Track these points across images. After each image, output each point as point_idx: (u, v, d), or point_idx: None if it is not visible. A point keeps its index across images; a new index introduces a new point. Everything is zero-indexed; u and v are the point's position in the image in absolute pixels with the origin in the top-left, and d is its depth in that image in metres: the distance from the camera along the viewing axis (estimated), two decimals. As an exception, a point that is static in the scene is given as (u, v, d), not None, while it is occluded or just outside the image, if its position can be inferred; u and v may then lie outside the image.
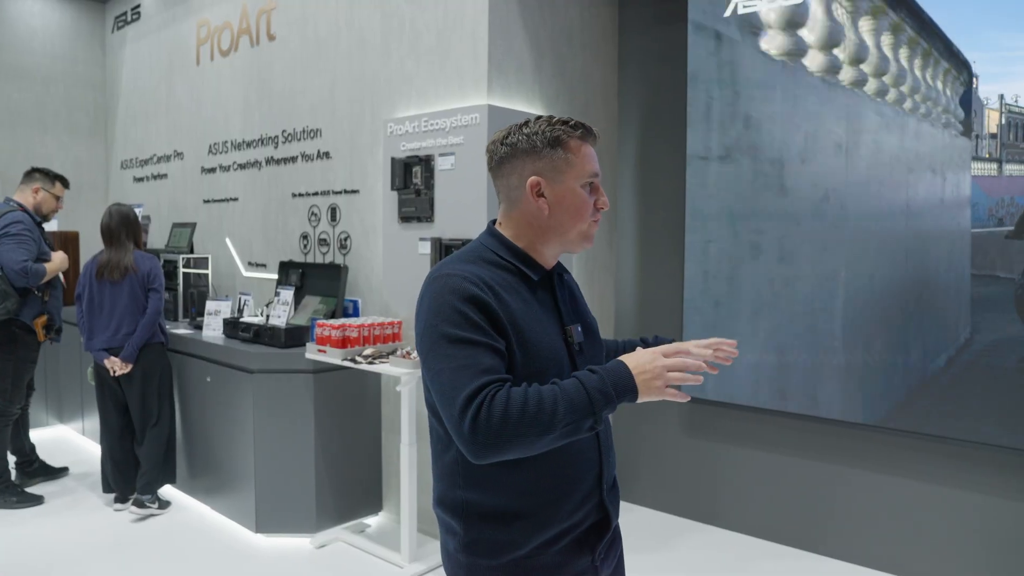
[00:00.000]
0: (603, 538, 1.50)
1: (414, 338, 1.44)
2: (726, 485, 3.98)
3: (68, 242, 5.53)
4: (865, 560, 3.53)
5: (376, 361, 3.51)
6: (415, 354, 3.40)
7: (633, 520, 4.13)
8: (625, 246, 4.36)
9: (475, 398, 1.25)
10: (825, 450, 3.64)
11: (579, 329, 1.52)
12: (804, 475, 3.71)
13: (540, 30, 3.78)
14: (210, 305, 4.41)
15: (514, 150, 1.49)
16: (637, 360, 1.30)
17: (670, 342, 1.49)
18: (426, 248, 3.69)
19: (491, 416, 1.23)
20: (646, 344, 1.72)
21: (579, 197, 1.48)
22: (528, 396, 1.26)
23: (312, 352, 3.67)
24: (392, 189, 3.82)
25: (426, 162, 3.68)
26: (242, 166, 4.98)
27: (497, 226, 1.53)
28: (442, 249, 3.59)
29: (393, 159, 3.80)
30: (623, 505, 4.45)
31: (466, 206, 3.53)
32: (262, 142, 4.80)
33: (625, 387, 1.28)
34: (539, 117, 1.52)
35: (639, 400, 1.29)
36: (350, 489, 3.98)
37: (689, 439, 4.11)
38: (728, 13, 3.70)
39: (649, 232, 4.26)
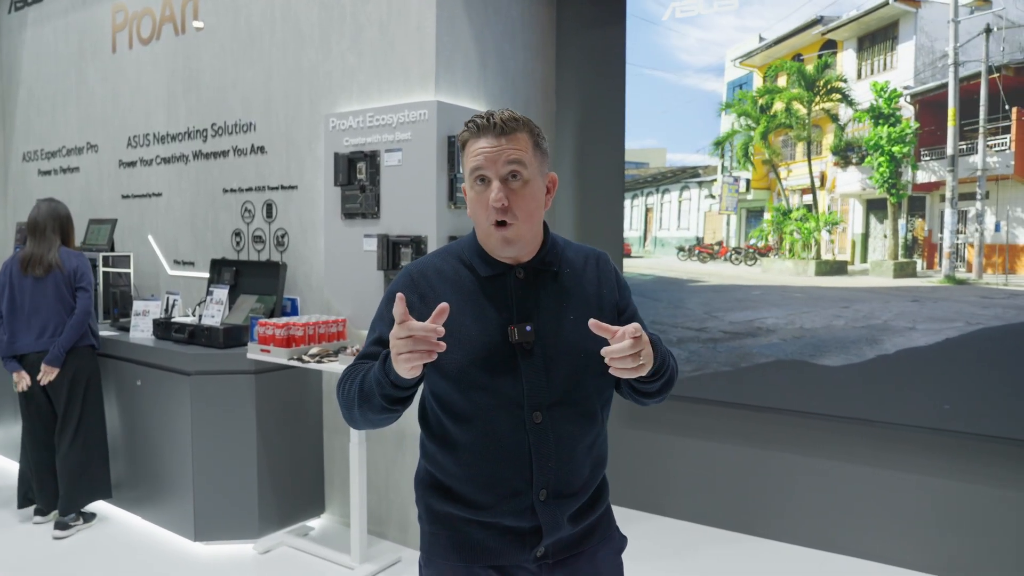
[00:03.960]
0: (540, 542, 1.48)
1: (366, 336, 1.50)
2: (670, 475, 4.12)
3: (-33, 240, 5.14)
4: (804, 541, 3.74)
5: (324, 360, 3.44)
6: (365, 352, 3.35)
7: (577, 511, 4.21)
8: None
9: (343, 378, 1.49)
10: (764, 438, 3.82)
11: (529, 328, 1.44)
12: (744, 462, 3.89)
13: (484, 28, 3.80)
14: (138, 305, 4.20)
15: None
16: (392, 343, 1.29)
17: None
18: (372, 245, 3.64)
19: (340, 386, 1.49)
20: None
21: (471, 196, 1.45)
22: (353, 371, 1.46)
23: (255, 352, 3.56)
24: (335, 185, 3.75)
25: (371, 158, 3.63)
26: (166, 160, 4.76)
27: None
28: (389, 246, 3.56)
29: (336, 154, 3.73)
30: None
31: (414, 202, 3.50)
32: (189, 135, 4.60)
33: (387, 368, 1.33)
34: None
35: (396, 377, 1.32)
36: (293, 492, 3.89)
37: (633, 431, 4.22)
38: (666, 17, 3.83)
39: (588, 228, 4.35)
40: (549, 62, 4.35)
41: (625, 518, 4.10)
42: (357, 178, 3.69)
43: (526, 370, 1.43)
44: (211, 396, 3.66)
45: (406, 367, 1.25)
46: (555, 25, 4.37)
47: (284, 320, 3.55)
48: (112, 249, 4.81)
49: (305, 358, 3.45)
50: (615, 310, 1.57)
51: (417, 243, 3.47)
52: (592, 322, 1.30)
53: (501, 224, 1.40)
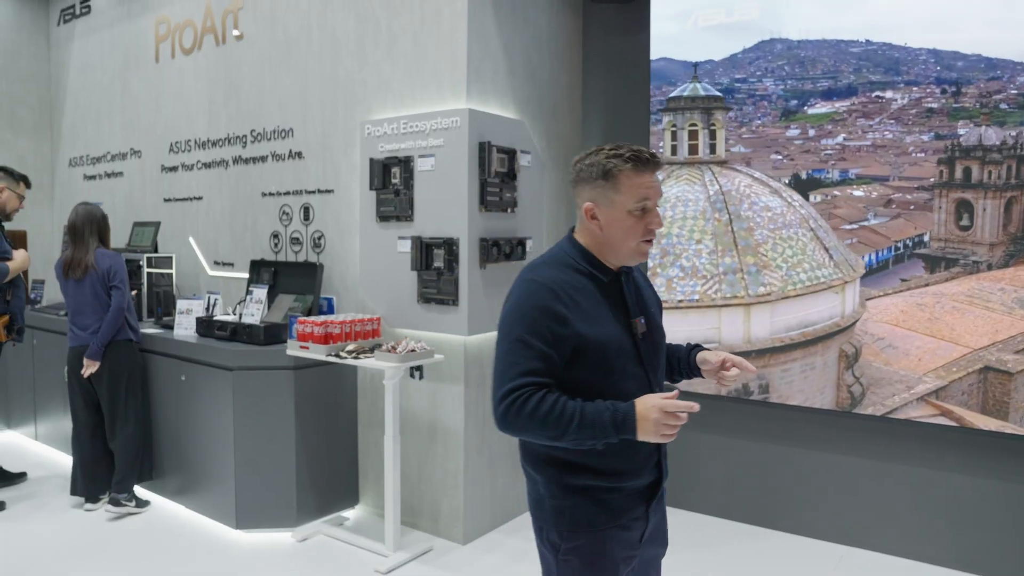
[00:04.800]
0: (656, 493, 1.82)
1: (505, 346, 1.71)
2: (693, 470, 4.22)
3: (17, 241, 5.38)
4: (824, 535, 3.83)
5: (360, 356, 3.60)
6: (400, 348, 3.51)
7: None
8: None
9: (511, 394, 1.63)
10: (782, 434, 3.92)
11: (642, 320, 1.78)
12: (764, 457, 3.99)
13: (513, 37, 3.94)
14: (181, 304, 4.40)
15: (579, 177, 1.77)
16: (643, 408, 1.59)
17: (704, 349, 1.92)
18: (406, 247, 3.80)
19: (521, 411, 1.61)
20: (690, 350, 1.97)
21: (626, 222, 1.71)
22: (555, 407, 1.61)
23: (294, 349, 3.73)
24: (371, 189, 3.91)
25: (405, 163, 3.79)
26: (207, 165, 4.96)
27: (575, 235, 1.81)
28: (422, 247, 3.71)
29: (372, 160, 3.89)
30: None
31: (446, 206, 3.66)
32: (229, 141, 4.80)
33: (628, 429, 1.60)
34: (601, 148, 1.74)
35: (638, 439, 1.60)
36: (329, 483, 4.06)
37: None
38: (689, 26, 3.94)
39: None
40: (575, 70, 4.48)
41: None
42: (392, 182, 3.85)
43: (646, 354, 1.77)
44: (252, 390, 3.84)
45: (662, 438, 1.59)
46: (581, 33, 4.51)
47: (323, 318, 3.72)
48: (155, 250, 5.02)
49: (342, 354, 3.61)
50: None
51: (449, 245, 3.62)
52: (740, 361, 1.84)
53: (648, 242, 1.74)
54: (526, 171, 3.93)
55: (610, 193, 1.70)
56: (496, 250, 3.69)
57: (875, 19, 3.51)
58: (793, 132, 3.72)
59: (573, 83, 4.47)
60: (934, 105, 3.41)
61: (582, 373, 1.68)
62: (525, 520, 4.10)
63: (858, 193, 3.59)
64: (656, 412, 1.58)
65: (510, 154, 3.78)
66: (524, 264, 3.91)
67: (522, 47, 4.02)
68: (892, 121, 3.49)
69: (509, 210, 3.82)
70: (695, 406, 1.59)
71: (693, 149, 3.99)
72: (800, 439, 3.87)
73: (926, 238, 3.46)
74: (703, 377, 1.92)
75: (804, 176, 3.71)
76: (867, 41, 3.54)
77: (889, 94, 3.50)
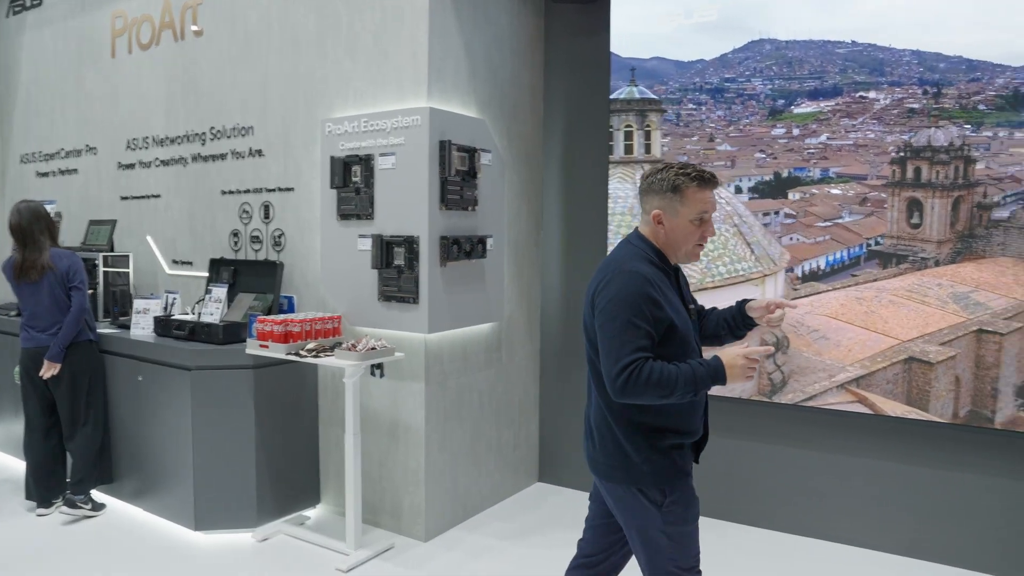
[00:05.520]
0: (701, 448, 2.23)
1: (594, 307, 2.07)
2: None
3: (-32, 240, 5.25)
4: (792, 528, 3.92)
5: (320, 355, 3.59)
6: (360, 346, 3.51)
7: (564, 501, 4.38)
8: (551, 243, 4.60)
9: (628, 367, 1.94)
10: (752, 431, 4.00)
11: (694, 307, 2.24)
12: (737, 454, 4.06)
13: (475, 36, 3.96)
14: (139, 303, 4.33)
15: (649, 188, 2.13)
16: (728, 359, 1.98)
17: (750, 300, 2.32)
18: (366, 245, 3.79)
19: (638, 380, 1.93)
20: (740, 305, 2.35)
21: (687, 229, 2.10)
22: (663, 372, 1.94)
23: (254, 348, 3.71)
24: (331, 187, 3.90)
25: (366, 161, 3.78)
26: (165, 162, 4.89)
27: (644, 234, 2.16)
28: (383, 246, 3.71)
29: (332, 158, 3.88)
30: (551, 488, 4.72)
31: (407, 204, 3.66)
32: (188, 138, 4.74)
33: (720, 377, 1.98)
34: (670, 166, 2.11)
35: (726, 384, 1.99)
36: (289, 483, 4.04)
37: (614, 423, 4.39)
38: (648, 29, 4.00)
39: (573, 229, 4.52)
40: (537, 69, 4.51)
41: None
42: (352, 181, 3.84)
43: (696, 336, 2.18)
44: (211, 390, 3.81)
45: (746, 379, 2.00)
46: (543, 33, 4.54)
47: (282, 317, 3.69)
48: (111, 249, 4.94)
49: (302, 353, 3.59)
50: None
51: (410, 243, 3.63)
52: (783, 301, 2.28)
53: (701, 246, 2.14)
54: (487, 170, 3.96)
55: (676, 205, 2.08)
56: (457, 248, 3.71)
57: (861, 21, 3.59)
58: (779, 131, 3.80)
59: (535, 82, 4.50)
60: (916, 105, 3.50)
61: (669, 349, 2.03)
62: (487, 516, 4.13)
63: (835, 191, 3.68)
64: (741, 359, 1.98)
65: (471, 153, 3.80)
66: (485, 262, 3.96)
67: (484, 46, 4.04)
68: (874, 121, 3.58)
69: (470, 208, 3.84)
70: (771, 348, 2.11)
71: (636, 148, 4.09)
72: (724, 429, 3.96)
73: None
74: (757, 325, 2.32)
75: (785, 174, 3.80)
76: (853, 42, 3.63)
77: (872, 94, 3.60)
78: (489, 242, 3.97)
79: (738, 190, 3.89)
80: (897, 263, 3.54)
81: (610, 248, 4.15)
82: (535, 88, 4.51)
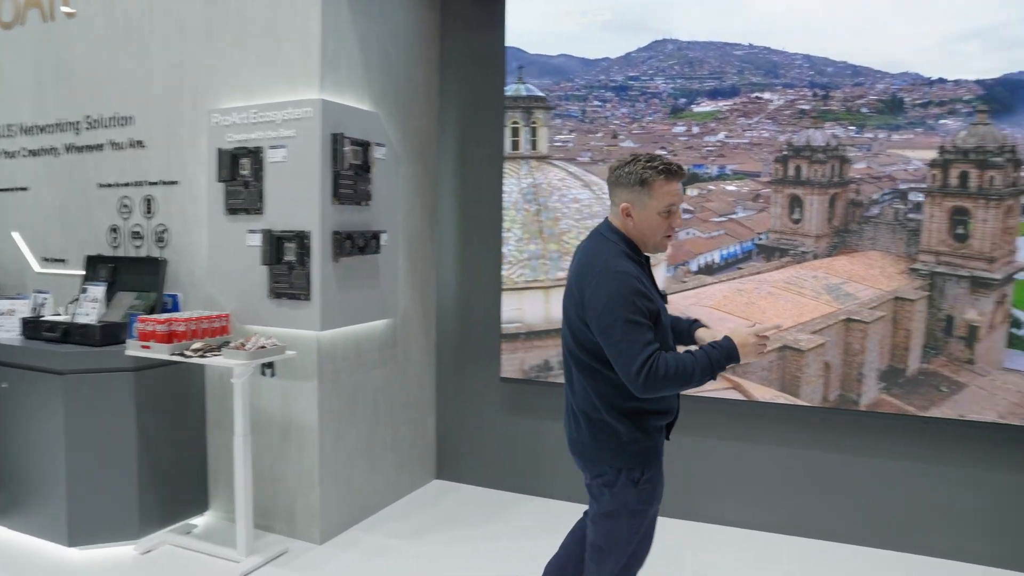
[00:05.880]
0: (673, 425, 2.34)
1: (587, 308, 2.11)
2: (547, 457, 4.35)
3: None
4: (678, 514, 4.05)
5: (207, 354, 3.44)
6: (249, 345, 3.39)
7: (462, 498, 4.38)
8: (445, 238, 4.59)
9: (647, 362, 2.00)
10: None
11: (664, 295, 2.33)
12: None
13: (369, 29, 3.90)
14: (2, 304, 4.02)
15: (617, 181, 2.18)
16: (740, 339, 2.09)
17: (703, 327, 2.43)
18: (256, 240, 3.66)
19: (658, 373, 2.00)
20: (691, 324, 2.45)
21: (655, 221, 2.16)
22: (679, 363, 2.03)
23: (134, 349, 3.51)
24: (219, 180, 3.75)
25: (255, 154, 3.66)
26: (33, 152, 4.57)
27: (615, 226, 2.21)
28: (273, 241, 3.60)
29: (220, 150, 3.73)
30: (449, 485, 4.72)
31: (298, 198, 3.56)
32: (59, 127, 4.44)
33: (734, 356, 2.08)
34: (637, 159, 2.15)
35: (740, 363, 2.11)
36: (175, 490, 3.85)
37: (509, 417, 4.43)
38: (542, 27, 4.06)
39: (468, 224, 4.52)
40: (433, 64, 4.49)
41: (507, 501, 4.31)
42: (241, 174, 3.70)
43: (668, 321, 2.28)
44: (86, 395, 3.58)
45: (758, 356, 2.15)
46: (439, 28, 4.52)
47: (166, 316, 3.52)
48: (-27, 245, 4.57)
49: (188, 353, 3.44)
50: None
51: (301, 238, 3.53)
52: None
53: (670, 237, 2.22)
54: (381, 164, 3.91)
55: (644, 197, 2.13)
56: (350, 243, 3.64)
57: (757, 24, 3.75)
58: (679, 129, 3.93)
59: (430, 77, 4.48)
60: (806, 107, 3.70)
61: (656, 338, 2.09)
62: (384, 516, 4.07)
63: (731, 188, 3.83)
64: (752, 338, 2.10)
65: (364, 146, 3.74)
66: (379, 258, 3.90)
67: (378, 39, 3.98)
68: (769, 121, 3.75)
69: (363, 203, 3.78)
70: (780, 326, 2.24)
71: (523, 144, 4.18)
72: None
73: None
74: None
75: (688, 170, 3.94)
76: (750, 45, 3.80)
77: (767, 95, 3.77)
78: (383, 237, 3.92)
79: None
80: (779, 256, 3.74)
81: (505, 243, 4.19)
82: (430, 83, 4.49)
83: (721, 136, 3.84)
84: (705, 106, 3.89)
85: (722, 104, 3.85)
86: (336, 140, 3.56)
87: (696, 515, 4.00)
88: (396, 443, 4.28)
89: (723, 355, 2.07)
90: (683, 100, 3.94)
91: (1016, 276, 3.41)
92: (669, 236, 2.21)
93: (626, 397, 2.15)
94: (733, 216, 3.82)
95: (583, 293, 2.13)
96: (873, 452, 3.69)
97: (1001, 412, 3.43)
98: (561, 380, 4.06)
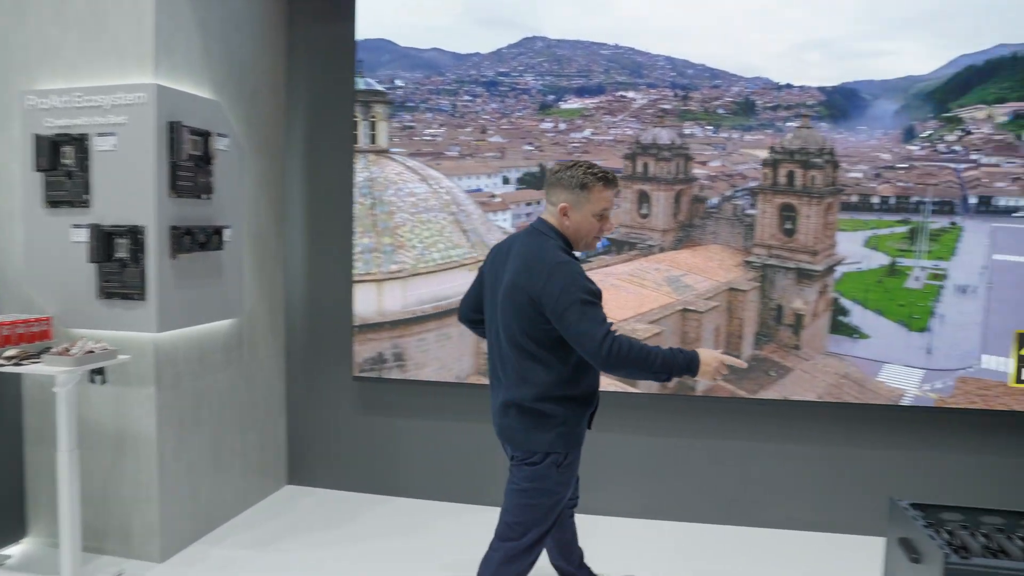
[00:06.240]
0: (595, 411, 2.54)
1: (541, 296, 2.28)
2: (403, 456, 4.30)
3: None
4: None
5: (23, 362, 3.11)
6: (75, 350, 3.10)
7: (315, 502, 4.23)
8: (294, 233, 4.42)
9: (608, 336, 2.19)
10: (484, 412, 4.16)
11: None
12: (467, 437, 4.19)
13: (208, 14, 3.68)
14: None
15: (559, 182, 2.40)
16: (707, 357, 2.30)
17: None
18: (81, 236, 3.36)
19: (621, 349, 2.19)
20: None
21: (590, 222, 2.40)
22: (642, 350, 2.22)
23: (-67, 357, 3.11)
24: (36, 170, 3.39)
25: (80, 141, 3.35)
26: None
27: (551, 223, 2.42)
28: (102, 237, 3.31)
29: (37, 136, 3.38)
30: (302, 490, 4.56)
31: (130, 190, 3.30)
32: None
33: (694, 370, 2.29)
34: (578, 164, 2.39)
35: (695, 377, 2.31)
36: (-14, 515, 3.45)
37: (363, 416, 4.34)
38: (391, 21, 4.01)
39: (318, 220, 4.38)
40: (279, 53, 4.32)
41: (361, 503, 4.22)
42: (63, 163, 3.38)
43: None
44: None
45: (712, 380, 2.47)
46: (286, 16, 4.35)
47: (-28, 320, 3.14)
48: None
49: (1, 360, 3.09)
50: None
51: (134, 233, 3.27)
52: None
53: (598, 238, 2.46)
54: (224, 155, 3.70)
55: (582, 200, 2.37)
56: (189, 239, 3.42)
57: (623, 25, 3.89)
58: (547, 125, 4.01)
59: (276, 67, 4.30)
60: (668, 106, 3.88)
61: None
62: (232, 527, 3.86)
63: None
64: (716, 362, 2.31)
65: (205, 136, 3.53)
66: (222, 254, 3.70)
67: (219, 24, 3.77)
68: (633, 119, 3.90)
69: (204, 196, 3.56)
70: (744, 364, 2.41)
71: (361, 138, 4.15)
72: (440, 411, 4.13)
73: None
74: None
75: (550, 166, 3.99)
76: (616, 45, 3.93)
77: (631, 94, 3.92)
78: (227, 233, 3.72)
79: (506, 180, 4.05)
80: (628, 249, 3.91)
81: (356, 240, 4.10)
82: (277, 73, 4.31)
83: (587, 133, 3.97)
84: (572, 103, 4.00)
85: (588, 102, 3.98)
86: (173, 129, 3.33)
87: (484, 499, 4.07)
88: (244, 449, 4.07)
89: (685, 363, 2.27)
90: (551, 97, 4.03)
91: (836, 268, 3.79)
92: (598, 237, 2.45)
93: (564, 386, 2.37)
94: None
95: (535, 287, 2.28)
96: (710, 434, 3.94)
97: (820, 393, 3.78)
98: (417, 376, 4.07)
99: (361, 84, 4.10)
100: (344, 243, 4.20)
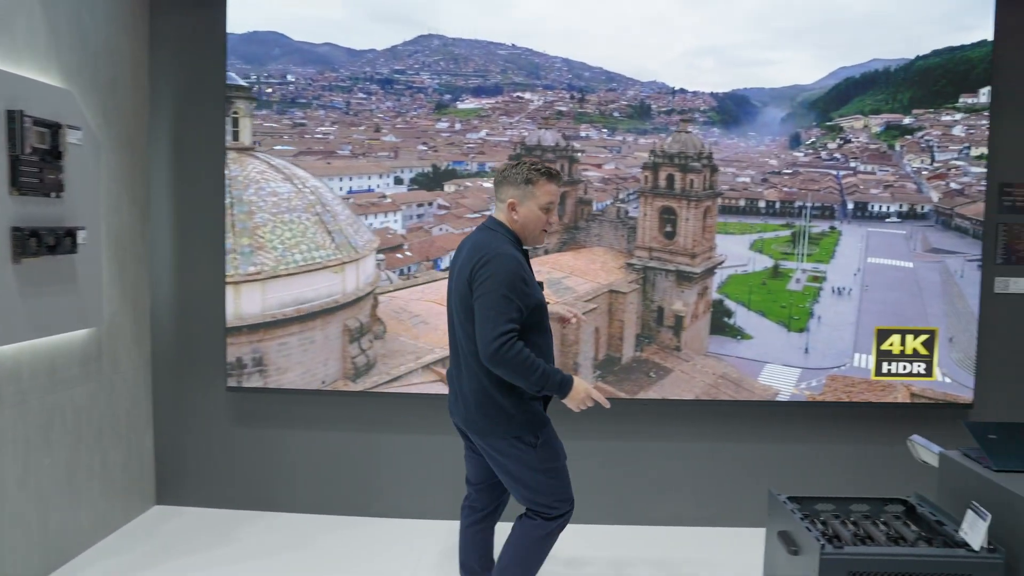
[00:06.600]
0: (548, 401, 2.67)
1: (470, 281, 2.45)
2: (282, 468, 4.08)
3: None
4: (409, 512, 4.02)
5: None
6: None
7: (187, 523, 3.96)
8: (160, 236, 4.10)
9: (504, 335, 2.34)
10: (365, 421, 4.03)
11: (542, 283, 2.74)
12: (348, 447, 4.06)
13: (56, -9, 3.33)
14: None
15: (506, 179, 2.57)
16: (579, 385, 2.50)
17: None
18: (-97, 238, 2.96)
19: (510, 351, 2.34)
20: None
21: (536, 216, 2.56)
22: (528, 358, 2.37)
23: None
24: None
25: (-101, 131, 2.95)
26: None
27: (500, 220, 2.59)
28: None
29: None
30: (173, 510, 4.28)
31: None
32: None
33: (564, 393, 2.49)
34: (523, 161, 2.58)
35: (563, 399, 2.51)
36: None
37: (238, 428, 4.09)
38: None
39: (187, 220, 4.08)
40: (141, 40, 3.98)
41: (238, 520, 3.98)
42: None
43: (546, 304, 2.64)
44: None
45: (575, 408, 2.55)
46: (148, 3, 4.02)
47: None
48: None
49: None
50: None
51: (-31, 235, 2.92)
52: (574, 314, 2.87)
53: (547, 232, 2.63)
54: (77, 150, 3.36)
55: (528, 195, 2.53)
56: (36, 241, 3.08)
57: (521, 26, 3.84)
58: (443, 125, 3.92)
59: (138, 56, 3.96)
60: (564, 108, 3.87)
61: (536, 320, 2.50)
62: (92, 555, 3.54)
63: (488, 185, 3.87)
64: (584, 393, 2.50)
65: (54, 129, 3.19)
66: (76, 258, 3.37)
67: (70, 5, 3.42)
68: (529, 120, 3.87)
69: (53, 195, 3.21)
70: (608, 405, 2.58)
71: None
72: (303, 422, 4.00)
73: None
74: None
75: (444, 167, 3.91)
76: (513, 45, 3.89)
77: (528, 95, 3.89)
78: (81, 235, 3.38)
79: (398, 181, 3.93)
80: None
81: (230, 242, 3.86)
82: (139, 62, 3.97)
83: (483, 134, 3.91)
84: (469, 103, 3.94)
85: (485, 102, 3.93)
86: (13, 118, 2.98)
87: (424, 512, 4.03)
88: (105, 470, 3.73)
89: (558, 383, 2.44)
90: (448, 96, 3.95)
91: (716, 270, 3.86)
92: (546, 231, 2.59)
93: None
94: (487, 212, 3.87)
95: (473, 273, 2.42)
96: (596, 436, 3.93)
97: (698, 393, 3.87)
98: (279, 382, 3.88)
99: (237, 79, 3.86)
100: (216, 244, 3.93)
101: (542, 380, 2.39)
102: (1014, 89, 3.82)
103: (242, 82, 3.88)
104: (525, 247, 2.61)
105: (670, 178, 3.84)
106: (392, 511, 4.05)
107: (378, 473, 4.06)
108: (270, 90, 3.94)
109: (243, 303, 3.85)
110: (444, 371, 3.75)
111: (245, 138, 3.89)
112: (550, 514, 2.63)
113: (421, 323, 3.87)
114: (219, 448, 4.11)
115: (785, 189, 3.90)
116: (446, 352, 3.72)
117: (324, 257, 3.86)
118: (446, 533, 3.83)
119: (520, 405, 2.52)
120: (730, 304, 3.87)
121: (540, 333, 2.54)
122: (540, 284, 2.66)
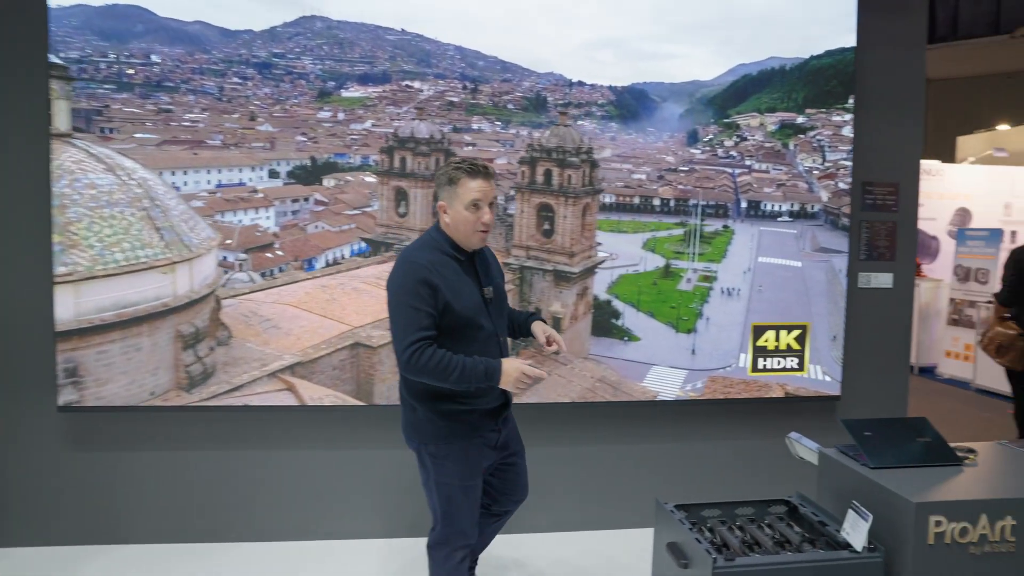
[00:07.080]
0: (503, 412, 2.61)
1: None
2: (127, 497, 3.62)
3: None
4: (279, 535, 3.70)
5: None
6: None
7: (13, 566, 3.43)
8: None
9: (413, 344, 2.31)
10: (218, 439, 3.67)
11: (490, 289, 2.53)
12: (205, 467, 3.66)
13: None
14: None
15: (437, 183, 2.49)
16: (508, 368, 2.37)
17: (540, 320, 2.71)
18: None
19: (421, 359, 2.30)
20: (528, 317, 2.72)
21: (464, 215, 2.42)
22: (444, 359, 2.30)
23: None
24: None
25: None
26: None
27: (440, 225, 2.49)
28: None
29: None
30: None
31: None
32: None
33: (495, 379, 2.36)
34: (449, 162, 2.48)
35: (498, 386, 2.38)
36: None
37: (73, 453, 3.59)
38: None
39: (4, 217, 3.55)
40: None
41: (76, 558, 3.49)
42: None
43: (493, 313, 2.52)
44: None
45: (515, 390, 2.42)
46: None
47: None
48: None
49: None
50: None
51: None
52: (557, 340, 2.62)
53: (483, 232, 2.46)
54: None
55: (453, 195, 2.42)
56: None
57: (411, 10, 3.60)
58: (325, 114, 3.63)
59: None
60: (455, 99, 3.66)
61: (450, 324, 2.39)
62: None
63: (371, 179, 3.62)
64: (517, 372, 2.37)
65: None
66: None
67: None
68: (418, 111, 3.65)
69: None
70: (544, 375, 2.47)
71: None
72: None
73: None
74: (531, 338, 2.66)
75: (324, 159, 3.61)
76: (403, 30, 3.64)
77: (418, 84, 3.67)
78: None
79: (274, 174, 3.59)
80: (386, 251, 3.63)
81: (56, 240, 3.36)
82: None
83: (368, 124, 3.64)
84: (354, 91, 3.66)
85: (372, 90, 3.66)
86: None
87: (290, 534, 3.71)
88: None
89: (485, 371, 2.33)
90: (331, 83, 3.64)
91: (596, 270, 3.74)
92: (482, 230, 2.44)
93: (417, 381, 2.41)
94: (368, 209, 3.63)
95: (387, 284, 2.41)
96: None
97: (575, 397, 3.73)
98: (99, 394, 3.41)
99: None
100: (42, 241, 3.41)
101: (465, 376, 2.32)
102: (874, 92, 3.94)
103: (56, 60, 3.41)
104: (471, 249, 2.49)
105: (548, 173, 3.67)
106: (253, 535, 3.69)
107: (235, 493, 3.66)
108: (132, 71, 3.50)
109: (57, 306, 3.40)
110: (292, 380, 3.51)
111: (60, 123, 3.43)
112: (443, 548, 2.55)
113: (272, 328, 3.53)
114: (51, 476, 3.57)
115: (680, 187, 3.83)
116: (295, 359, 3.54)
117: (151, 256, 3.44)
118: (322, 553, 3.50)
119: (429, 414, 2.47)
120: (619, 305, 3.75)
121: (464, 343, 2.39)
122: (493, 288, 2.55)
